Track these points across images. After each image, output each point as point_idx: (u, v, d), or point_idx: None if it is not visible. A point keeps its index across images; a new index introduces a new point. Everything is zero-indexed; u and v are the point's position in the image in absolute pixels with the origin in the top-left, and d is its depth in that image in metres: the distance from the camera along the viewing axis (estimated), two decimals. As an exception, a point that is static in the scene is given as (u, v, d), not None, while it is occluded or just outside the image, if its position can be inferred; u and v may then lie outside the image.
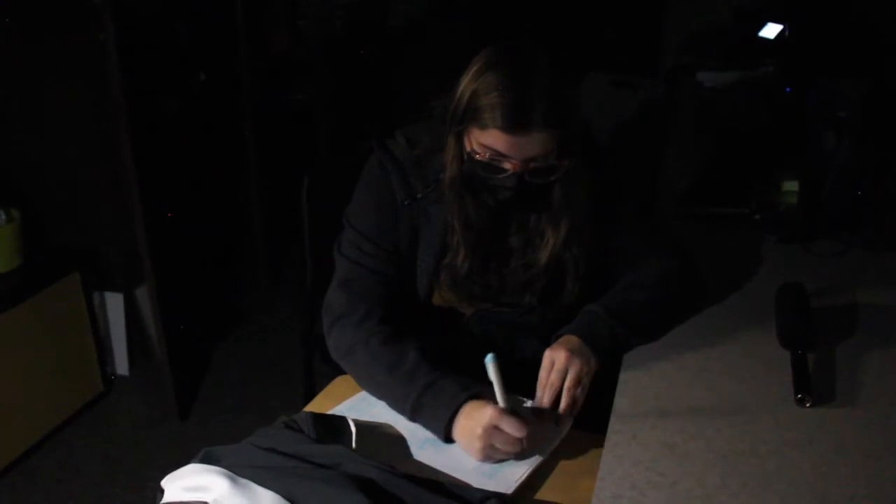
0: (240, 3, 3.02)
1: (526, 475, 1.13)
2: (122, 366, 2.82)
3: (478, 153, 1.29)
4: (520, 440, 1.14)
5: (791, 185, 1.61)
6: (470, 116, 1.27)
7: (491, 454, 1.16)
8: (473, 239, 1.39)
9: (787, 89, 1.91)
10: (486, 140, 1.27)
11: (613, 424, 1.10)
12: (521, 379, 1.28)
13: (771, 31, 2.11)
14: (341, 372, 1.42)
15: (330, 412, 1.27)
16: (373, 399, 1.31)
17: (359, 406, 1.29)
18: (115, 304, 2.75)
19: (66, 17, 2.38)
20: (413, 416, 1.24)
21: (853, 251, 1.55)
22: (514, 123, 1.24)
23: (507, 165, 1.28)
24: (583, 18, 2.99)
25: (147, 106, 2.51)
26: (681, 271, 1.41)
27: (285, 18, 3.41)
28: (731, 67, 2.06)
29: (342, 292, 1.39)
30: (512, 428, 1.14)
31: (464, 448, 1.19)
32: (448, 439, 1.20)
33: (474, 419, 1.17)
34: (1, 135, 2.56)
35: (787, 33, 2.08)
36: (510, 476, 1.13)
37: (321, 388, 1.44)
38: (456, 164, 1.34)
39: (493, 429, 1.14)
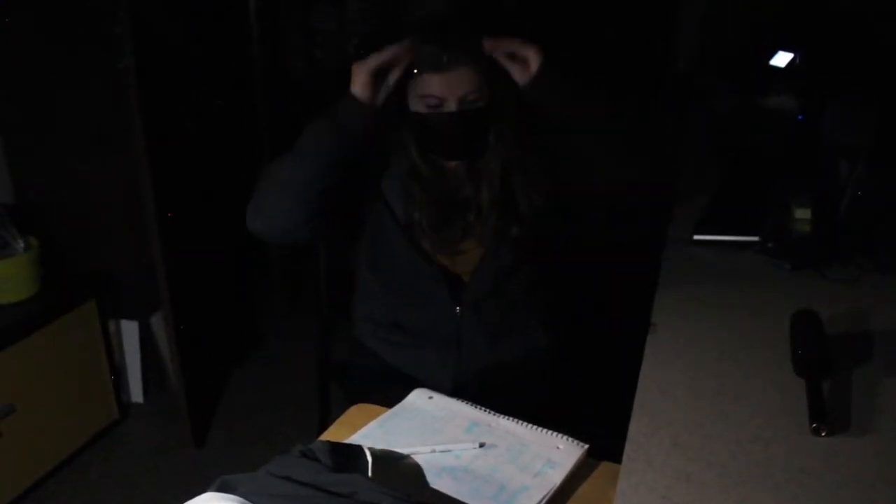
0: (256, 32, 3.06)
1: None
2: (137, 393, 2.84)
3: (421, 110, 1.49)
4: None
5: (804, 212, 1.61)
6: (406, 71, 1.47)
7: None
8: (429, 192, 1.56)
9: (800, 116, 1.92)
10: (424, 88, 1.47)
11: (628, 452, 1.10)
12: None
13: (782, 59, 2.12)
14: (357, 400, 1.43)
15: (346, 440, 1.27)
16: (390, 427, 1.31)
17: (375, 434, 1.30)
18: (130, 331, 2.77)
19: (87, 45, 2.42)
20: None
21: (867, 277, 1.55)
22: (439, 62, 1.44)
23: (448, 108, 1.47)
24: (595, 43, 3.01)
25: (166, 133, 2.54)
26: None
27: (301, 47, 3.45)
28: (743, 94, 2.07)
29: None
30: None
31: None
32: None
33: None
34: (20, 163, 2.60)
35: (798, 61, 2.09)
36: (525, 505, 1.13)
37: (336, 417, 1.44)
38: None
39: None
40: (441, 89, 1.47)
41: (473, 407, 1.36)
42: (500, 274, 1.61)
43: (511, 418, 1.32)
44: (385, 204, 1.59)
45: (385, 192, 1.59)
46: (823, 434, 1.09)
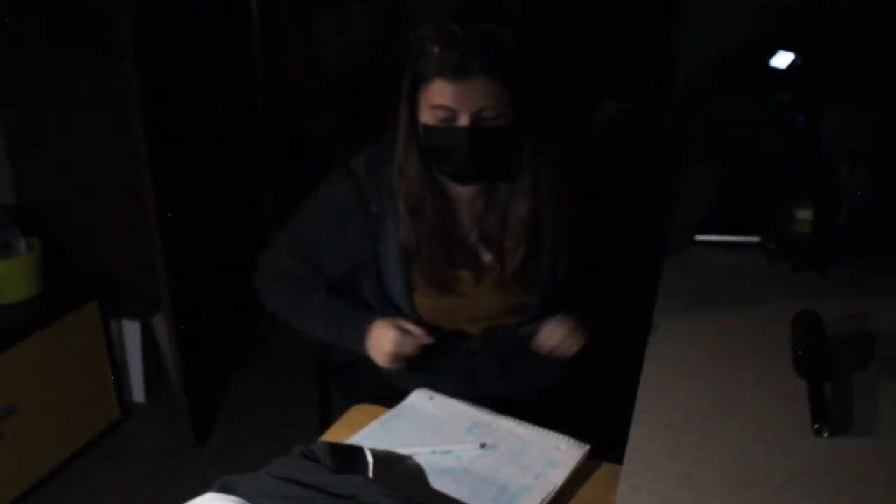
0: (256, 32, 3.06)
1: (542, 505, 1.14)
2: (138, 393, 2.84)
3: (430, 121, 1.34)
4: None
5: (805, 214, 1.61)
6: (417, 77, 1.35)
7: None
8: (432, 226, 1.43)
9: (801, 118, 1.92)
10: (434, 98, 1.32)
11: (629, 454, 1.10)
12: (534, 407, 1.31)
13: (783, 60, 2.12)
14: (358, 401, 1.44)
15: (347, 441, 1.27)
16: (390, 428, 1.31)
17: (376, 435, 1.30)
18: (132, 331, 2.77)
19: (89, 46, 2.43)
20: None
21: (868, 278, 1.55)
22: (454, 68, 1.29)
23: (460, 122, 1.32)
24: (596, 45, 3.01)
25: (167, 134, 2.55)
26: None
27: (301, 48, 3.45)
28: (743, 95, 2.07)
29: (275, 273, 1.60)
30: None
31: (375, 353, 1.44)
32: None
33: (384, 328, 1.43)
34: (23, 164, 2.61)
35: (799, 62, 2.09)
36: (526, 506, 1.13)
37: (337, 417, 1.44)
38: (412, 144, 1.39)
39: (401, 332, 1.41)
40: (454, 100, 1.31)
41: (474, 408, 1.36)
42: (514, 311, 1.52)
43: (512, 419, 1.32)
44: (381, 260, 1.48)
45: (383, 250, 1.48)
46: (825, 436, 1.09)
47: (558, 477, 1.18)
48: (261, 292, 1.63)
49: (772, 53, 2.24)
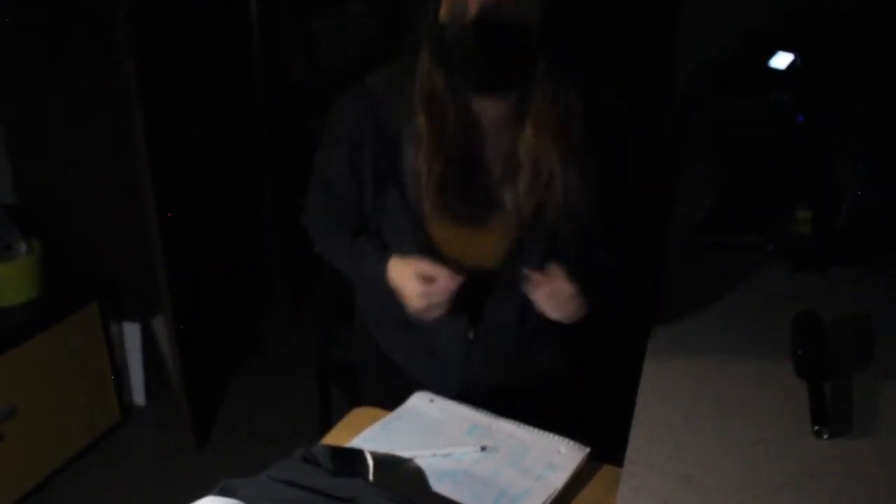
0: (256, 32, 3.07)
1: (542, 507, 1.14)
2: (139, 395, 2.84)
3: (446, 18, 1.22)
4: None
5: (805, 214, 1.61)
6: None
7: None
8: (451, 145, 1.30)
9: (800, 118, 1.92)
10: None
11: (630, 455, 1.10)
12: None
13: (782, 60, 2.12)
14: (358, 403, 1.43)
15: (347, 444, 1.27)
16: (391, 430, 1.31)
17: (376, 437, 1.30)
18: (132, 333, 2.77)
19: (88, 49, 2.43)
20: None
21: (869, 279, 1.55)
22: None
23: (469, 10, 1.18)
24: (594, 43, 3.00)
25: (167, 135, 2.55)
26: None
27: (301, 48, 3.45)
28: (743, 95, 2.07)
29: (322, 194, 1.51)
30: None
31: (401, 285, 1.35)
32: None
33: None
34: (23, 164, 2.61)
35: (798, 63, 2.09)
36: (527, 508, 1.13)
37: (338, 419, 1.44)
38: (434, 50, 1.26)
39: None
40: None
41: (474, 410, 1.36)
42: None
43: (512, 421, 1.31)
44: (397, 186, 1.38)
45: (401, 175, 1.37)
46: (825, 437, 1.09)
47: (558, 479, 1.18)
48: (309, 234, 1.58)
49: (772, 53, 2.24)
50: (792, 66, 2.12)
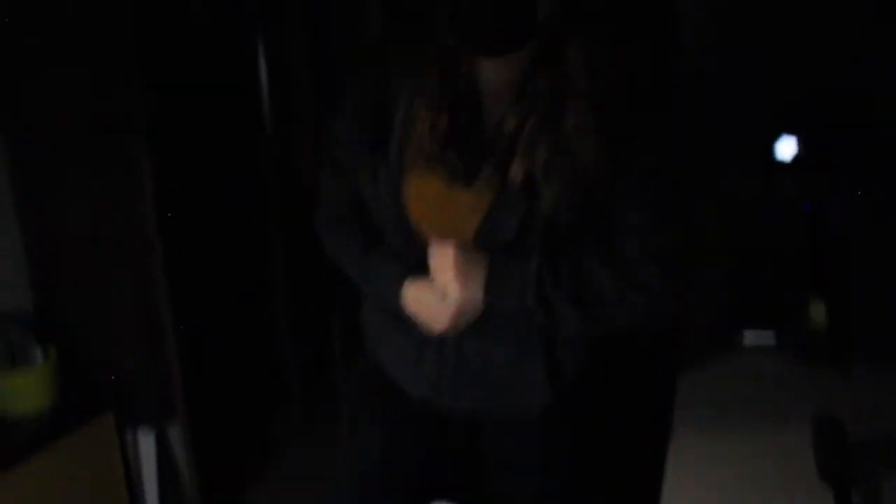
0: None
1: None
2: (153, 508, 2.78)
3: None
4: None
5: (819, 307, 1.59)
6: None
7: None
8: (446, 95, 1.26)
9: (806, 206, 1.90)
10: None
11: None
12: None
13: (787, 150, 2.12)
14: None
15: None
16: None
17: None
18: (146, 442, 2.73)
19: (102, 161, 2.47)
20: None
21: (887, 372, 1.51)
22: None
23: None
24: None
25: (182, 231, 2.56)
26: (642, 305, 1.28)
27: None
28: (749, 187, 2.06)
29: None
30: None
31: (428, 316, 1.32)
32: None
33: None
34: (41, 273, 2.62)
35: (802, 152, 2.09)
36: None
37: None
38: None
39: None
40: None
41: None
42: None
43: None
44: (384, 146, 1.33)
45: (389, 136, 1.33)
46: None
47: None
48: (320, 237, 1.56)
49: (776, 137, 2.24)
50: (797, 156, 2.12)
